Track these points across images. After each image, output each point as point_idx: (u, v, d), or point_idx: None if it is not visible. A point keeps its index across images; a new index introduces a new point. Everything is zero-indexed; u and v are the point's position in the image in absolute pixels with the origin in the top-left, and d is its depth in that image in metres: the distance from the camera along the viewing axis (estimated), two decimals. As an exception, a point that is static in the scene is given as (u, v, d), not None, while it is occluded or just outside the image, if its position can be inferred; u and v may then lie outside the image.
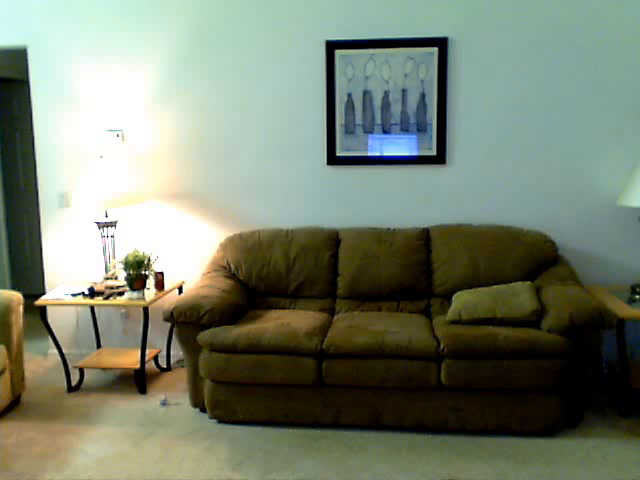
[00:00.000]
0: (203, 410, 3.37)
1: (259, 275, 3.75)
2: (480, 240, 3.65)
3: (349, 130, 3.90)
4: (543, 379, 3.01)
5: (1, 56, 4.65)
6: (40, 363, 4.24)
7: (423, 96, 3.81)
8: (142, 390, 3.72)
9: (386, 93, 3.84)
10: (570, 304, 3.08)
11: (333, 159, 3.94)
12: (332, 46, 3.82)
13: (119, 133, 4.01)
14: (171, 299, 3.60)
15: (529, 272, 3.56)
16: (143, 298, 3.62)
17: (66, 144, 4.11)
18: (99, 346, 4.18)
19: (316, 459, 2.95)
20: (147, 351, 3.77)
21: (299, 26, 3.86)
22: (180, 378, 3.82)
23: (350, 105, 3.88)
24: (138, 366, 3.71)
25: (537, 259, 3.59)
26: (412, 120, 3.84)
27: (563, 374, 3.01)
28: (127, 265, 3.64)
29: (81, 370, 3.86)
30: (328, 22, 3.83)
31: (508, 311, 3.21)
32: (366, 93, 3.85)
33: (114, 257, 3.96)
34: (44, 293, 4.02)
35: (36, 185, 4.23)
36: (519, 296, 3.26)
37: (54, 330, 3.81)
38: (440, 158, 3.84)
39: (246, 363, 3.16)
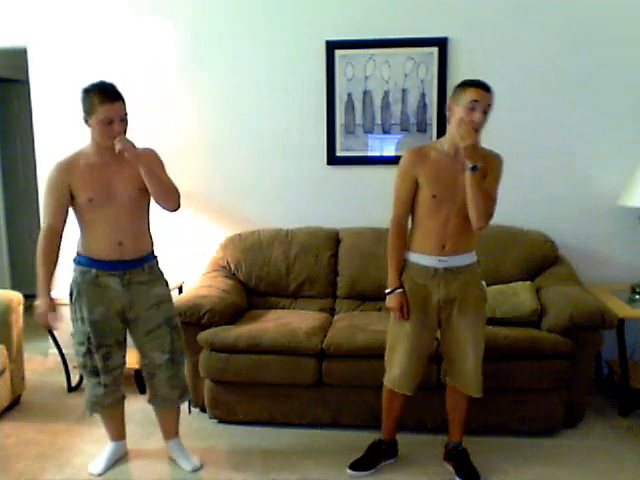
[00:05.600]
0: (203, 410, 3.37)
1: (259, 275, 3.76)
2: (480, 240, 3.64)
3: (349, 130, 3.90)
4: (543, 379, 3.02)
5: (1, 56, 4.65)
6: (40, 363, 4.24)
7: (423, 96, 3.81)
8: (142, 390, 3.72)
9: (386, 93, 3.84)
10: (570, 304, 3.08)
11: (333, 159, 3.93)
12: (332, 46, 3.82)
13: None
14: (171, 299, 3.59)
15: (529, 272, 3.56)
16: (143, 298, 3.62)
17: (66, 144, 4.10)
18: (99, 346, 4.17)
19: (316, 459, 2.95)
20: (147, 351, 3.76)
21: (299, 26, 3.86)
22: (180, 378, 3.82)
23: (350, 105, 3.88)
24: (138, 366, 3.70)
25: (537, 259, 3.59)
26: (412, 120, 3.84)
27: (563, 374, 3.01)
28: (127, 265, 3.64)
29: (81, 370, 3.86)
30: (328, 22, 3.83)
31: (508, 311, 3.21)
32: (366, 93, 3.85)
33: (114, 257, 3.95)
34: (44, 293, 4.02)
35: (36, 185, 4.23)
36: (519, 296, 3.26)
37: (54, 330, 3.81)
38: (440, 158, 3.84)
39: (246, 363, 3.16)
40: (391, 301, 2.62)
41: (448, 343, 2.69)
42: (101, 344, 2.72)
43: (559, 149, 3.77)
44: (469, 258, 2.62)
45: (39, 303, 2.65)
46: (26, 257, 5.58)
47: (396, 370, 2.68)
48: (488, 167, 2.51)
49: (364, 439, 2.98)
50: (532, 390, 3.06)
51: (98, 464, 2.90)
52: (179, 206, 2.74)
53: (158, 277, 2.82)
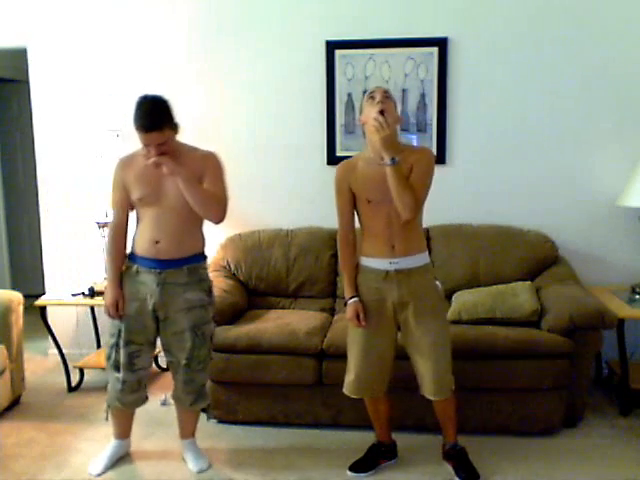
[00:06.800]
0: (203, 410, 3.36)
1: (259, 275, 3.75)
2: (480, 240, 3.65)
3: (349, 130, 3.90)
4: (543, 379, 3.02)
5: (1, 56, 4.65)
6: (40, 363, 4.24)
7: (423, 96, 3.82)
8: (142, 390, 3.72)
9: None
10: (570, 304, 3.08)
11: (333, 159, 3.93)
12: (332, 46, 3.82)
13: (119, 133, 4.01)
14: (171, 299, 3.59)
15: (529, 272, 3.56)
16: (143, 298, 3.62)
17: (66, 144, 4.11)
18: (99, 346, 4.18)
19: (316, 459, 2.95)
20: (147, 351, 3.76)
21: (299, 26, 3.86)
22: (180, 378, 3.82)
23: (350, 105, 3.88)
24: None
25: (537, 259, 3.59)
26: (412, 120, 3.84)
27: (563, 374, 3.01)
28: (127, 265, 3.64)
29: (81, 370, 3.86)
30: (328, 22, 3.83)
31: (508, 311, 3.21)
32: (366, 93, 3.84)
33: (114, 257, 3.95)
34: (44, 293, 4.02)
35: (36, 185, 4.23)
36: (519, 296, 3.26)
37: (54, 330, 3.81)
38: (440, 158, 3.83)
39: (246, 363, 3.16)
40: (348, 311, 2.65)
41: (408, 346, 2.68)
42: (131, 341, 2.74)
43: (559, 149, 3.77)
44: (421, 259, 2.63)
45: (107, 294, 2.74)
46: (26, 257, 5.59)
47: (351, 375, 2.70)
48: (413, 162, 2.54)
49: (364, 439, 2.98)
50: (532, 390, 3.06)
51: (98, 464, 2.90)
52: (221, 219, 2.70)
53: (197, 281, 2.77)
